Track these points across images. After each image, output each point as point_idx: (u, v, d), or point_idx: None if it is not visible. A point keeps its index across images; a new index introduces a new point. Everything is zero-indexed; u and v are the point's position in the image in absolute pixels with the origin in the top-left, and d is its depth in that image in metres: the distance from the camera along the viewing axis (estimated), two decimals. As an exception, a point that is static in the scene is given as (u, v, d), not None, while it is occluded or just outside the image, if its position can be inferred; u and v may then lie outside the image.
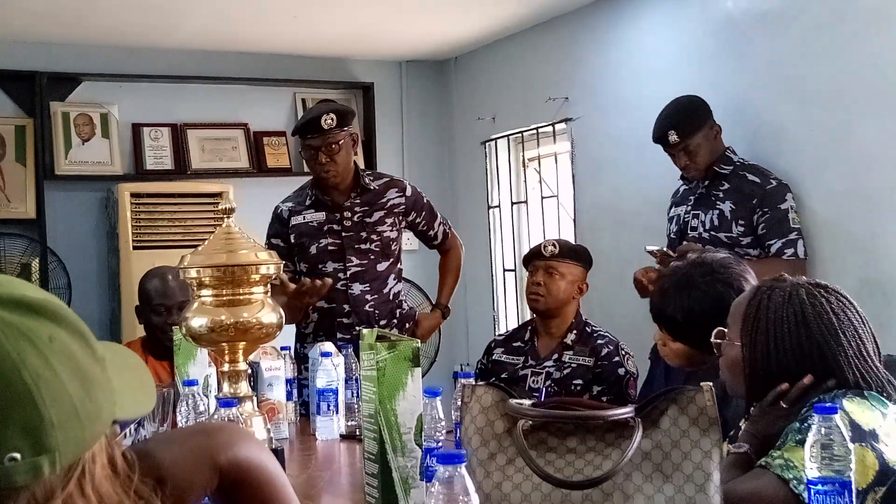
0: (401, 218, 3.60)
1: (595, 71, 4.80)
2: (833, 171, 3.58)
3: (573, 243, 3.83)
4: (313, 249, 3.50)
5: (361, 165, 3.89)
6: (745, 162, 3.63)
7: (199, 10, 4.62)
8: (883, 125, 3.42)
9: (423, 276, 5.03)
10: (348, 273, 3.49)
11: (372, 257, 3.52)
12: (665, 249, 3.38)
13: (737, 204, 3.53)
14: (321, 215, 3.52)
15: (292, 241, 3.52)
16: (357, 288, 3.49)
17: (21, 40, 4.99)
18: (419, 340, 1.84)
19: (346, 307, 3.49)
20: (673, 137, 3.60)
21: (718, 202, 3.57)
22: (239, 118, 5.52)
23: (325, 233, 3.50)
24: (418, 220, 3.66)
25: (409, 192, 3.63)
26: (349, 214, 3.51)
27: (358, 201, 3.53)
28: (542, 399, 2.04)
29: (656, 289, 2.51)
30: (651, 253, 3.39)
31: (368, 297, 3.50)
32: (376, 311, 3.50)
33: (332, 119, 3.40)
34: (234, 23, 4.87)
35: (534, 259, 3.55)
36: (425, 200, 3.69)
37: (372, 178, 3.60)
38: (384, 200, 3.56)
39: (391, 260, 3.57)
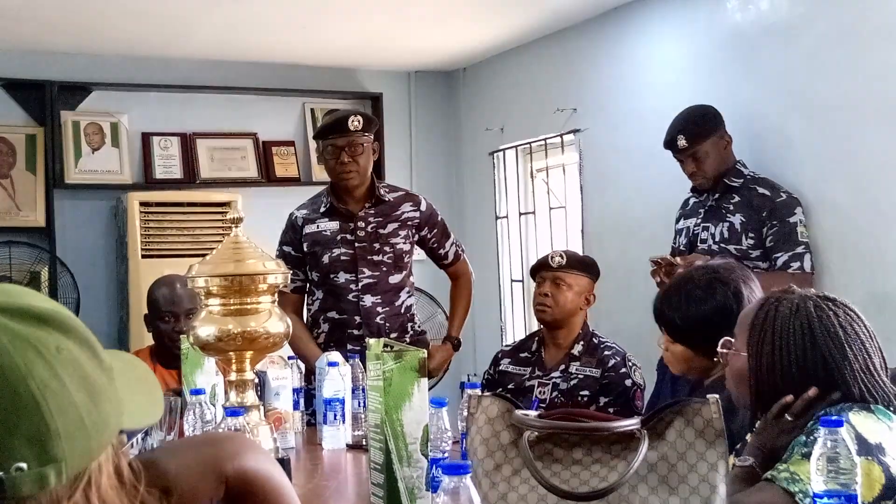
0: (414, 231, 3.58)
1: (603, 82, 4.80)
2: (841, 183, 3.58)
3: (581, 254, 3.83)
4: (326, 259, 3.49)
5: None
6: (756, 175, 3.63)
7: (208, 20, 4.64)
8: (891, 138, 3.42)
9: (433, 284, 5.04)
10: (360, 284, 3.47)
11: (384, 269, 3.50)
12: (668, 258, 3.38)
13: (747, 217, 3.53)
14: (335, 224, 3.51)
15: (305, 249, 3.52)
16: (368, 300, 3.47)
17: (32, 50, 5.02)
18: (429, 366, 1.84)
19: (358, 319, 3.47)
20: (682, 142, 3.62)
21: (728, 215, 3.57)
22: (248, 128, 5.53)
23: (338, 242, 3.48)
24: (429, 236, 3.64)
25: (423, 206, 3.61)
26: (363, 224, 3.50)
27: (372, 212, 3.52)
28: (535, 408, 2.04)
29: (659, 291, 2.53)
30: (655, 262, 3.39)
31: (380, 309, 3.48)
32: (387, 324, 3.48)
33: (358, 121, 3.42)
34: (243, 33, 4.89)
35: (541, 270, 3.55)
36: (439, 218, 3.67)
37: (388, 190, 3.59)
38: (398, 213, 3.55)
39: (403, 273, 3.55)
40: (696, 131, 3.62)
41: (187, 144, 5.37)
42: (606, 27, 4.74)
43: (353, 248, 3.48)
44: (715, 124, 3.65)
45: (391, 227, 3.52)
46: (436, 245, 3.67)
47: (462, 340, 3.81)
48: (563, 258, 3.51)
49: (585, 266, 3.56)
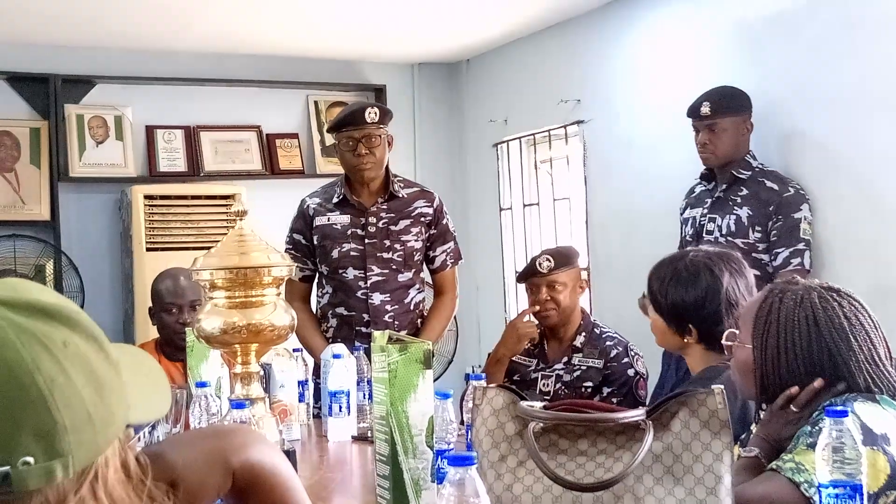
0: (426, 229, 3.49)
1: (607, 74, 4.79)
2: (844, 175, 3.57)
3: (560, 248, 3.75)
4: (335, 253, 3.42)
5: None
6: (765, 168, 3.62)
7: (211, 12, 4.63)
8: (895, 130, 3.41)
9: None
10: (369, 282, 3.41)
11: (394, 267, 3.43)
12: None
13: (754, 210, 3.52)
14: (346, 218, 3.44)
15: (315, 241, 3.47)
16: (377, 298, 3.41)
17: (35, 43, 5.02)
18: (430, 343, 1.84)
19: (366, 316, 3.41)
20: (705, 109, 3.62)
21: (736, 207, 3.57)
22: (251, 120, 5.53)
23: (348, 237, 3.42)
24: (428, 234, 3.53)
25: (436, 203, 3.52)
26: (374, 220, 3.43)
27: (385, 207, 3.45)
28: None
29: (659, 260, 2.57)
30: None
31: (389, 307, 3.42)
32: (396, 322, 3.41)
33: (375, 113, 3.38)
34: (246, 25, 4.89)
35: (532, 277, 3.51)
36: (444, 220, 3.54)
37: (402, 185, 3.51)
38: (411, 209, 3.47)
39: (413, 270, 3.48)
40: (724, 103, 3.63)
41: (191, 137, 5.38)
42: (610, 18, 4.73)
43: (363, 244, 3.42)
44: (744, 105, 3.66)
45: (403, 223, 3.45)
46: (429, 245, 3.55)
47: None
48: (550, 261, 3.46)
49: (570, 259, 3.54)
